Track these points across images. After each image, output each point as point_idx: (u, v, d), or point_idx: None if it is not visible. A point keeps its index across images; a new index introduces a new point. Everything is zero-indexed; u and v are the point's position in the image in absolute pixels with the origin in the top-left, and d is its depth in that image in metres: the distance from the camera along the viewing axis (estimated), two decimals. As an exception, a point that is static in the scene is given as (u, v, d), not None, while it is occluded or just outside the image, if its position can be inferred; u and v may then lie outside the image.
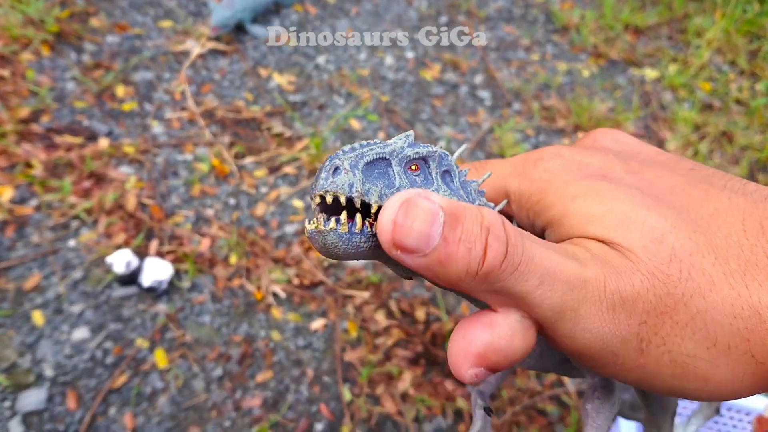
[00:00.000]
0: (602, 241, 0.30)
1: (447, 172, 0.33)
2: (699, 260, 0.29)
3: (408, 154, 0.31)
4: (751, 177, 2.05)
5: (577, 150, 0.36)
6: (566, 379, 1.44)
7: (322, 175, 0.28)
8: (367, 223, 0.29)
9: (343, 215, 0.28)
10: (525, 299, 0.29)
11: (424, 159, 0.32)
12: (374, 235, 0.29)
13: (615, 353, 0.30)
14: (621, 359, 0.30)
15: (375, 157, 0.30)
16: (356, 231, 0.29)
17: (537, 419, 1.38)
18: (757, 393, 0.30)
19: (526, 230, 0.35)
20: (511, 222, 0.36)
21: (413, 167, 0.31)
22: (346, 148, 0.30)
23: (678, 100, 2.28)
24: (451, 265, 0.28)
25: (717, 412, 1.06)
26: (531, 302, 0.29)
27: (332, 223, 0.28)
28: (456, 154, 0.36)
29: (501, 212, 0.38)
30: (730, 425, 1.22)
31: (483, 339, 0.30)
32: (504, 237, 0.28)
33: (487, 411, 0.50)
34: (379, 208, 0.29)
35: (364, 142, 0.31)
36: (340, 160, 0.29)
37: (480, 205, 0.34)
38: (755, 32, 2.64)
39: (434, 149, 0.32)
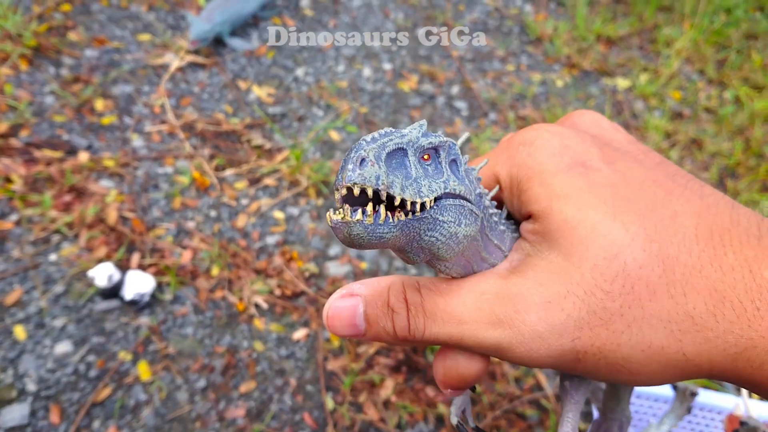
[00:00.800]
0: (565, 254, 0.34)
1: (454, 161, 0.36)
2: (647, 273, 0.32)
3: (422, 144, 0.33)
4: (720, 183, 2.11)
5: (558, 130, 0.40)
6: (545, 383, 1.48)
7: (349, 166, 0.30)
8: (389, 214, 0.31)
9: (369, 207, 0.30)
10: (457, 344, 0.36)
11: (436, 149, 0.34)
12: (395, 226, 0.31)
13: (556, 365, 0.34)
14: (563, 368, 0.34)
15: (394, 147, 0.31)
16: (380, 222, 0.30)
17: (517, 423, 1.41)
18: (682, 380, 0.34)
19: (515, 215, 0.41)
20: (501, 209, 0.41)
21: (426, 157, 0.33)
22: (368, 137, 0.31)
23: (649, 108, 2.34)
24: (382, 339, 0.37)
25: (689, 411, 1.10)
26: (464, 345, 0.35)
27: (359, 215, 0.30)
28: (459, 142, 0.38)
29: (495, 197, 0.42)
30: (703, 424, 1.25)
31: (443, 369, 0.38)
32: (404, 310, 0.36)
33: (459, 427, 0.54)
34: (402, 200, 0.31)
35: (383, 131, 0.32)
36: (365, 151, 0.30)
37: (479, 192, 0.38)
38: (722, 42, 2.72)
39: (445, 139, 0.35)
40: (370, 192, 0.30)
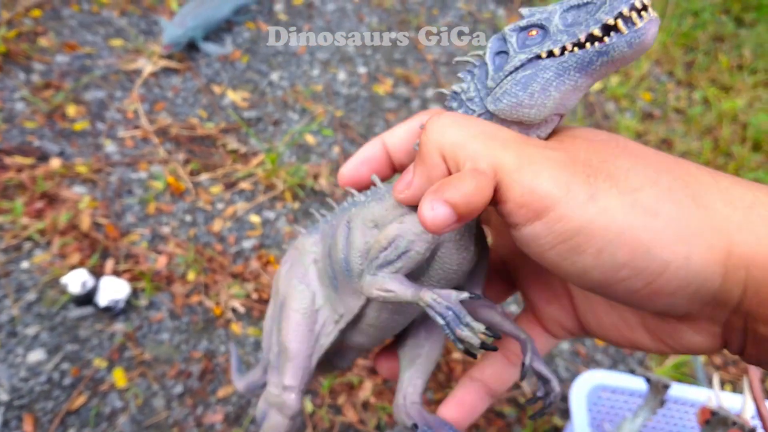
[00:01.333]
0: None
1: None
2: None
3: None
4: (691, 182, 2.14)
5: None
6: (522, 382, 1.49)
7: None
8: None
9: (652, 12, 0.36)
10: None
11: None
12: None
13: (566, 184, 0.33)
14: (572, 191, 0.33)
15: None
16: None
17: (495, 421, 1.42)
18: (707, 247, 0.33)
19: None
20: None
21: None
22: None
23: (620, 109, 2.38)
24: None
25: (662, 404, 1.12)
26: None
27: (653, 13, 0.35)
28: None
29: None
30: (677, 417, 1.27)
31: (445, 181, 0.36)
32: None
33: (413, 427, 0.55)
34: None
35: None
36: None
37: None
38: (690, 44, 2.78)
39: None
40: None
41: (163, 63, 2.02)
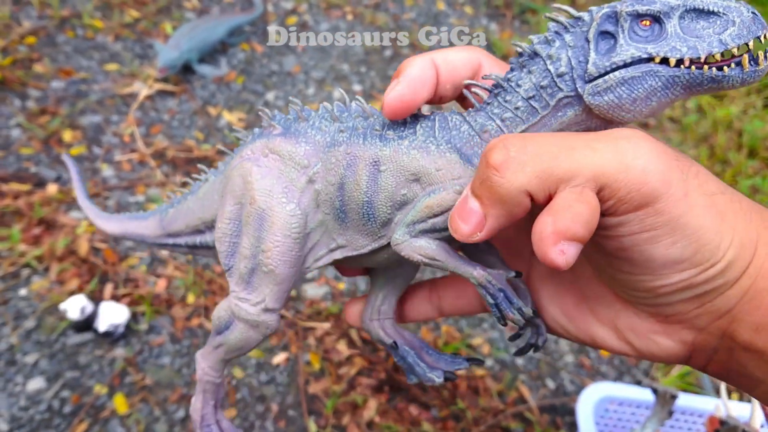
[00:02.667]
0: None
1: None
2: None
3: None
4: (689, 190, 2.15)
5: None
6: (528, 395, 1.48)
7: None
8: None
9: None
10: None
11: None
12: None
13: (668, 181, 0.34)
14: (673, 186, 0.34)
15: None
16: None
17: (501, 437, 1.40)
18: (742, 248, 0.35)
19: None
20: None
21: None
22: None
23: (616, 120, 2.38)
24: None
25: (670, 415, 1.11)
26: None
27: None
28: None
29: None
30: (685, 428, 1.26)
31: (553, 216, 0.34)
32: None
33: (393, 345, 0.55)
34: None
35: None
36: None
37: None
38: (682, 53, 2.79)
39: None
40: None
41: (159, 86, 2.02)
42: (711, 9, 0.35)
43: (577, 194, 0.33)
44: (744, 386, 0.38)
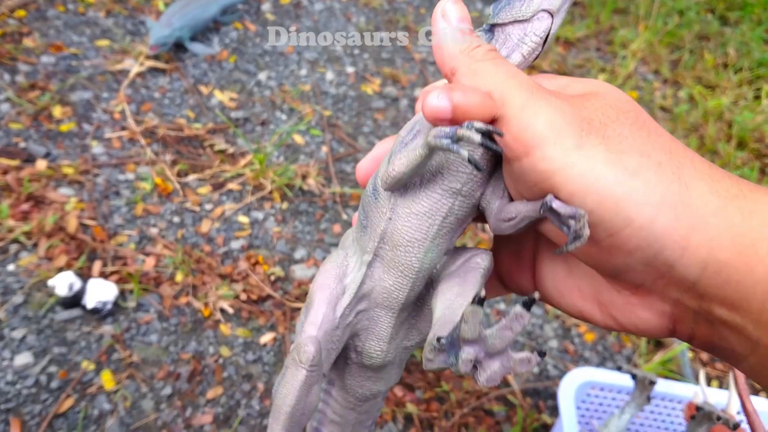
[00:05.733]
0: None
1: None
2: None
3: None
4: (677, 179, 2.16)
5: None
6: (511, 380, 1.50)
7: None
8: None
9: None
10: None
11: None
12: None
13: (557, 130, 0.36)
14: (567, 129, 0.35)
15: None
16: None
17: (485, 420, 1.42)
18: (675, 216, 0.34)
19: None
20: None
21: None
22: None
23: (607, 108, 2.39)
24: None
25: (648, 400, 1.13)
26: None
27: None
28: None
29: None
30: (664, 413, 1.29)
31: (463, 90, 0.38)
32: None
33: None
34: None
35: None
36: None
37: None
38: (676, 43, 2.80)
39: None
40: None
41: (150, 63, 2.01)
42: None
43: (483, 93, 0.38)
44: (730, 360, 0.39)
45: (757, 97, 2.58)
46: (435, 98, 0.37)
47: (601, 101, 0.38)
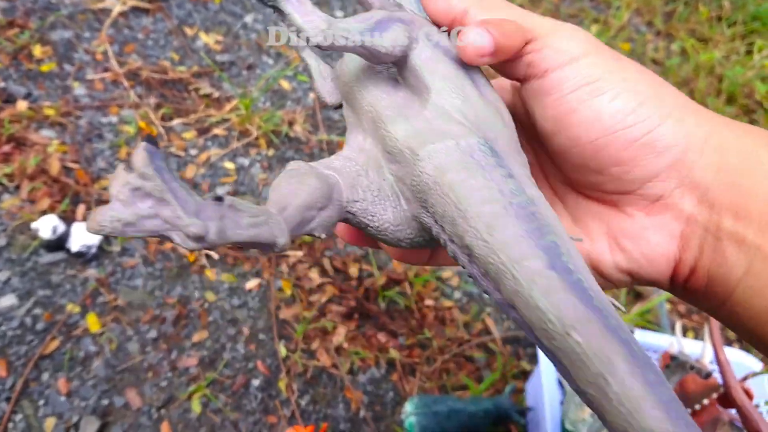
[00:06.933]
0: None
1: None
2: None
3: None
4: (665, 133, 2.16)
5: None
6: (493, 327, 1.52)
7: None
8: None
9: None
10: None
11: None
12: None
13: (597, 46, 0.39)
14: (602, 50, 0.39)
15: None
16: None
17: (465, 366, 1.45)
18: (668, 113, 0.38)
19: None
20: None
21: None
22: None
23: (599, 59, 2.37)
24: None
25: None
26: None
27: None
28: None
29: None
30: (639, 363, 1.32)
31: (499, 21, 0.38)
32: None
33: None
34: None
35: None
36: None
37: None
38: (671, -6, 2.76)
39: None
40: None
41: (133, 2, 1.95)
42: None
43: (513, 22, 0.38)
44: (718, 297, 0.40)
45: (749, 52, 2.56)
46: (477, 35, 0.36)
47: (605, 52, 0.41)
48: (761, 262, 0.36)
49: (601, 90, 0.38)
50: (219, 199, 0.33)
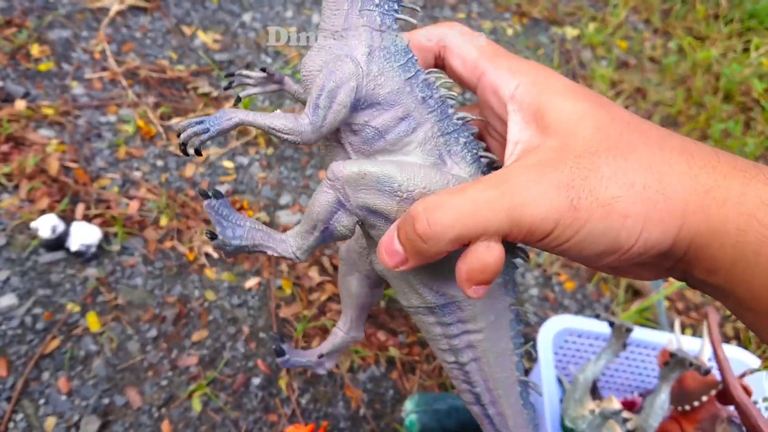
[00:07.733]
0: (559, 137, 0.44)
1: None
2: (627, 137, 0.42)
3: None
4: (662, 131, 2.17)
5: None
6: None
7: None
8: None
9: None
10: (473, 232, 0.41)
11: None
12: None
13: (556, 219, 0.40)
14: (561, 220, 0.40)
15: None
16: None
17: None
18: (663, 230, 0.40)
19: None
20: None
21: None
22: None
23: (596, 57, 2.37)
24: (415, 248, 0.44)
25: (624, 347, 1.16)
26: (479, 231, 0.42)
27: None
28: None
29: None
30: (639, 360, 1.33)
31: (466, 266, 0.43)
32: (422, 213, 0.42)
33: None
34: None
35: None
36: None
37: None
38: (668, -8, 2.76)
39: None
40: None
41: (131, 1, 1.95)
42: None
43: (484, 248, 0.42)
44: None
45: (746, 50, 2.57)
46: (474, 293, 0.43)
47: (569, 152, 0.42)
48: (736, 299, 0.42)
49: (577, 245, 0.43)
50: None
